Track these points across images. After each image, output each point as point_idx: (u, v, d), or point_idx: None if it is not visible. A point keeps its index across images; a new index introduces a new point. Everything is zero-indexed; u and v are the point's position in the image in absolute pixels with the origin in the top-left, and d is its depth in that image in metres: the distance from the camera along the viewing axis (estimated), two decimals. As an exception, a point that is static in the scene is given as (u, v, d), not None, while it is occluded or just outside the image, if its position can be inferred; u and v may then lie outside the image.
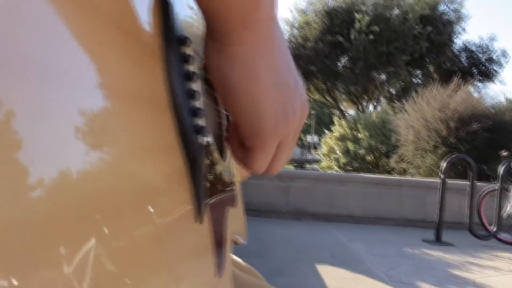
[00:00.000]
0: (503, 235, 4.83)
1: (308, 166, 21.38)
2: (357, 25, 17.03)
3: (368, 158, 9.84)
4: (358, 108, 20.35)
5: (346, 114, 20.32)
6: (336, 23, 18.11)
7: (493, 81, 20.04)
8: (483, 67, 19.79)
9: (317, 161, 15.74)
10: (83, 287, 0.17)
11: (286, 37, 19.35)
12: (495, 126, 7.03)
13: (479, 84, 19.54)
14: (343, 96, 22.17)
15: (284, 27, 19.70)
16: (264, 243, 3.89)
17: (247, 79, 0.35)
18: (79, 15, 0.19)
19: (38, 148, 0.16)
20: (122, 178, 0.21)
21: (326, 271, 3.13)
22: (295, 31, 19.36)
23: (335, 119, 11.90)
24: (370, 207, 5.60)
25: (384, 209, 5.62)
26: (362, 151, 9.76)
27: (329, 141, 11.23)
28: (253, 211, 5.30)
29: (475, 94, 8.58)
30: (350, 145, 10.11)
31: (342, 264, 3.35)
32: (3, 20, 0.14)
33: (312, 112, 37.26)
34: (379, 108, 18.45)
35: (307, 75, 19.17)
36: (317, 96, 22.90)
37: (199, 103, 0.32)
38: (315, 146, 34.72)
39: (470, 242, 4.66)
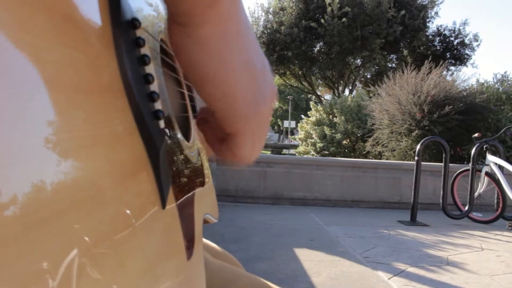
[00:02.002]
0: (475, 214, 4.97)
1: (285, 151, 21.50)
2: (328, 9, 17.06)
3: (344, 142, 9.93)
4: (334, 93, 20.48)
5: (323, 99, 20.44)
6: (311, 8, 18.10)
7: (465, 64, 20.43)
8: (456, 51, 20.13)
9: (295, 146, 15.83)
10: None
11: (261, 23, 19.26)
12: (467, 109, 7.16)
13: (452, 68, 19.89)
14: (319, 81, 22.27)
15: (259, 13, 19.61)
16: (241, 229, 3.90)
17: (217, 62, 0.34)
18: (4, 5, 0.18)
19: None
20: (78, 171, 0.20)
21: (305, 255, 3.17)
22: (270, 17, 19.28)
23: (312, 104, 11.94)
24: (347, 191, 5.68)
25: (361, 192, 5.70)
26: (338, 136, 9.83)
27: (306, 126, 11.27)
28: (230, 197, 5.31)
29: (448, 78, 8.70)
30: (327, 130, 10.18)
31: (320, 247, 3.39)
32: None
33: (289, 97, 37.35)
34: (354, 93, 18.62)
35: (283, 61, 19.17)
36: (293, 82, 22.95)
37: (154, 86, 0.31)
38: (292, 132, 34.90)
39: (444, 222, 4.78)
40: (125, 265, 0.23)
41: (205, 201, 0.50)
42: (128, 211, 0.24)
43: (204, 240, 0.78)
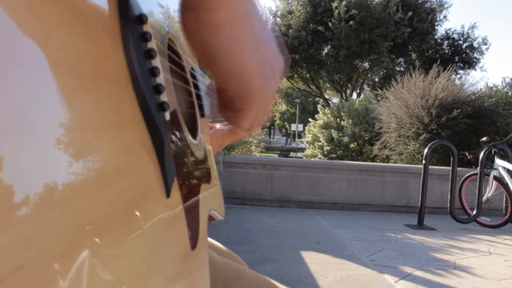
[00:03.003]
0: (483, 219, 4.93)
1: (292, 154, 21.47)
2: (335, 12, 17.05)
3: (352, 145, 9.90)
4: (342, 97, 20.44)
5: (330, 103, 20.41)
6: (319, 11, 18.10)
7: (474, 68, 20.32)
8: (465, 55, 20.03)
9: (302, 150, 15.81)
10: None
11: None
12: (476, 113, 7.11)
13: (461, 71, 19.80)
14: (327, 84, 22.24)
15: (267, 16, 19.61)
16: (248, 231, 3.91)
17: (229, 44, 0.35)
18: None
19: None
20: (82, 153, 0.21)
21: (311, 258, 3.16)
22: (278, 20, 19.30)
23: (319, 107, 11.92)
24: (354, 194, 5.66)
25: (368, 196, 5.68)
26: (346, 139, 9.80)
27: (313, 129, 11.25)
28: (237, 200, 5.32)
29: (457, 81, 8.66)
30: (334, 133, 10.15)
31: (327, 250, 3.38)
32: None
33: (297, 100, 37.34)
34: (362, 96, 18.57)
35: (290, 64, 19.14)
36: (301, 85, 22.93)
37: (160, 79, 0.33)
38: (300, 135, 34.85)
39: (451, 226, 4.75)
40: (127, 248, 0.24)
41: (211, 197, 0.51)
42: (131, 196, 0.25)
43: (210, 239, 0.79)
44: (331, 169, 5.72)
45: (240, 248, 3.28)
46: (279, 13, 19.43)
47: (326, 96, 23.61)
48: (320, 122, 11.07)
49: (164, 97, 0.33)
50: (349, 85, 20.74)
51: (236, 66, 0.36)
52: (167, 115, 0.33)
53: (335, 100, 22.52)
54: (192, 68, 0.57)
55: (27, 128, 0.17)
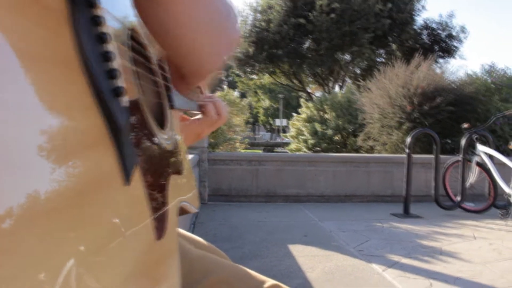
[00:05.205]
0: (467, 204, 5.00)
1: (278, 149, 21.52)
2: (318, 3, 17.10)
3: (336, 138, 9.95)
4: (324, 90, 20.52)
5: (313, 96, 20.48)
6: (298, 5, 18.12)
7: (453, 56, 20.57)
8: (444, 44, 20.26)
9: (287, 144, 15.85)
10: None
11: (250, 22, 19.23)
12: (457, 100, 7.19)
13: (441, 60, 20.02)
14: (309, 78, 22.31)
15: (247, 12, 19.60)
16: (235, 227, 3.90)
17: (179, 20, 0.35)
18: None
19: None
20: (32, 142, 0.20)
21: (299, 251, 3.17)
22: (259, 15, 19.28)
23: (302, 101, 11.95)
24: (340, 186, 5.69)
25: (354, 187, 5.72)
26: (329, 132, 9.84)
27: (297, 123, 11.27)
28: (223, 197, 5.30)
29: (437, 70, 8.73)
30: (318, 126, 10.18)
31: (314, 243, 3.39)
32: None
33: (280, 96, 37.41)
34: (344, 88, 18.68)
35: (272, 59, 19.18)
36: (283, 80, 22.96)
37: (114, 64, 0.31)
38: (284, 130, 34.93)
39: (436, 213, 4.80)
40: (80, 235, 0.23)
41: (182, 188, 0.50)
42: (82, 181, 0.24)
43: (189, 233, 0.78)
44: (316, 162, 5.74)
45: (228, 244, 3.27)
46: (259, 8, 19.39)
47: (309, 90, 23.67)
48: (304, 116, 11.09)
49: (119, 83, 0.31)
50: (331, 78, 20.83)
51: (188, 43, 0.36)
52: (124, 101, 0.32)
53: (318, 94, 22.62)
54: (160, 60, 0.56)
55: None
